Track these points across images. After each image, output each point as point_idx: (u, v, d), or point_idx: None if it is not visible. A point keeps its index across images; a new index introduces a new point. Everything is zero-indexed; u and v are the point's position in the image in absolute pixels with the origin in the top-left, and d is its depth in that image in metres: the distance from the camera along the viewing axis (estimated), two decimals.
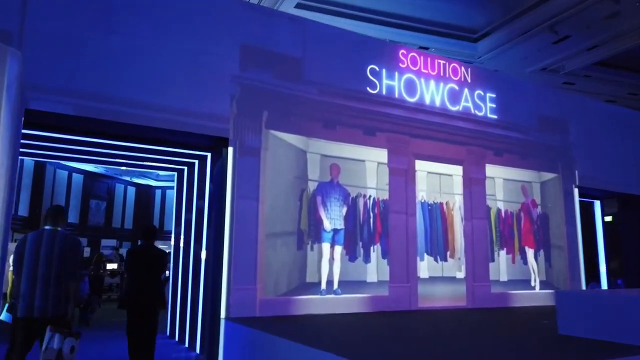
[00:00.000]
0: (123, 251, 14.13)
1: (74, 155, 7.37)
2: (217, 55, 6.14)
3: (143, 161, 7.52)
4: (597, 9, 10.38)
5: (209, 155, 6.65)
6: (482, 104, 8.47)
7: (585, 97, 12.10)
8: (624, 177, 10.05)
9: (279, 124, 6.50)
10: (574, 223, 9.21)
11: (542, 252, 8.77)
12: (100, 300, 11.12)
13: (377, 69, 7.48)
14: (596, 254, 10.36)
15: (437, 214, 7.76)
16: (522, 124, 8.94)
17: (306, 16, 8.80)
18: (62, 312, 4.06)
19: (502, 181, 8.56)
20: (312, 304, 6.38)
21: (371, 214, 7.12)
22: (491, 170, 8.43)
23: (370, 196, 7.16)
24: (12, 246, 4.87)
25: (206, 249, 6.40)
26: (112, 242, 17.83)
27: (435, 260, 7.61)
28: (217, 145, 6.24)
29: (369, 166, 7.24)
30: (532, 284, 8.55)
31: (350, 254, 6.86)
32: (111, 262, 14.04)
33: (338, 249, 6.75)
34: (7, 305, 4.33)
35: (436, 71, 8.07)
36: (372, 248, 7.03)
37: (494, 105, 8.60)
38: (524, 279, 8.49)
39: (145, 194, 19.85)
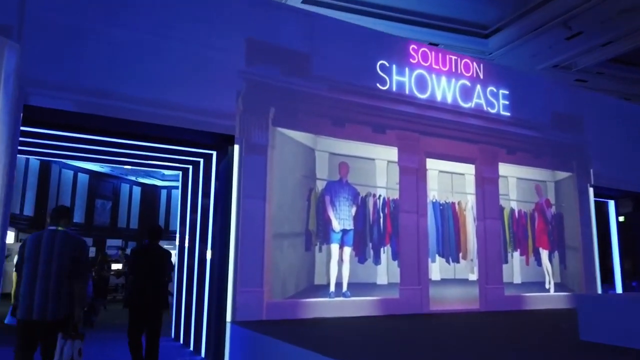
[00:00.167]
0: (128, 251, 14.02)
1: (77, 153, 7.21)
2: (223, 50, 5.96)
3: (146, 160, 7.34)
4: (611, 4, 10.14)
5: (214, 153, 6.46)
6: (495, 101, 8.25)
7: (600, 94, 11.84)
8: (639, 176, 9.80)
9: (286, 121, 6.32)
10: (589, 223, 8.97)
11: (556, 254, 8.53)
12: (106, 302, 10.96)
13: (387, 64, 7.28)
14: (609, 255, 10.11)
15: (449, 214, 7.54)
16: (536, 121, 8.70)
17: (314, 11, 8.61)
18: (63, 315, 3.97)
19: (515, 180, 8.33)
20: (321, 307, 6.19)
21: (381, 214, 6.92)
22: (504, 169, 8.21)
23: (380, 196, 6.96)
24: (17, 247, 4.79)
25: (211, 249, 6.23)
26: (118, 242, 17.79)
27: (447, 261, 7.40)
28: (223, 143, 6.06)
29: (378, 165, 7.04)
30: (547, 286, 8.31)
31: (360, 255, 6.67)
32: (117, 262, 13.95)
33: (347, 250, 6.56)
34: (11, 307, 4.28)
35: (448, 67, 7.86)
36: (382, 249, 6.83)
37: (507, 102, 8.38)
38: (538, 281, 8.25)
39: (150, 194, 19.80)
